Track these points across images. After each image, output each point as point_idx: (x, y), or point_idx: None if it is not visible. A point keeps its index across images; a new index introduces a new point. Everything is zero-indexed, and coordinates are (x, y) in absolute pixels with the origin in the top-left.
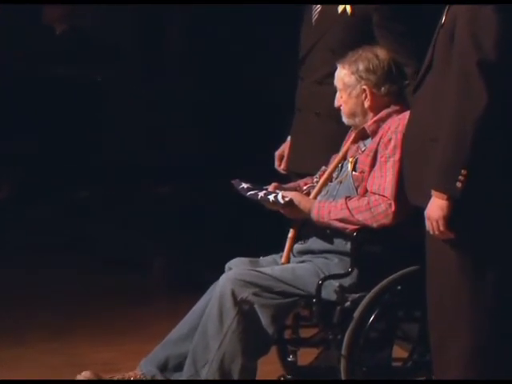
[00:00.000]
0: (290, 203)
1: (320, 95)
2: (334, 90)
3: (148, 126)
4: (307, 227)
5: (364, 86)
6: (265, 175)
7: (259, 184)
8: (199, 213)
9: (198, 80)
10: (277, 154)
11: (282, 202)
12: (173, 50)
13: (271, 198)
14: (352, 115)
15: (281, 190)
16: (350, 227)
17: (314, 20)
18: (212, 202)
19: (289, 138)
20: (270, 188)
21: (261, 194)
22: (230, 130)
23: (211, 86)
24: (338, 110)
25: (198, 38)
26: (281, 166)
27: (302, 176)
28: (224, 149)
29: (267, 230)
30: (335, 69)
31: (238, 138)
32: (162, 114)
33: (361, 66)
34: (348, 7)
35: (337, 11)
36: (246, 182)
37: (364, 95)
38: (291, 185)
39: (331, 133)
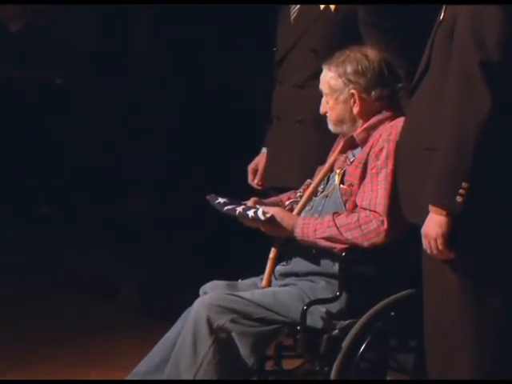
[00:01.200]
0: (271, 220)
1: (301, 100)
2: (317, 95)
3: (113, 131)
4: (290, 247)
5: (352, 90)
6: (241, 190)
7: (236, 199)
8: (172, 230)
9: (164, 82)
10: (250, 167)
11: (262, 218)
12: (137, 50)
13: (250, 213)
14: (339, 122)
15: (261, 205)
16: (338, 246)
17: (292, 18)
18: (186, 218)
19: (263, 150)
20: (249, 203)
21: (239, 209)
22: (200, 138)
23: (179, 89)
24: (324, 116)
25: (164, 38)
26: (255, 181)
27: (282, 191)
28: (197, 158)
29: (246, 250)
30: (318, 71)
31: (210, 148)
32: (128, 119)
33: (349, 68)
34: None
35: (319, 8)
36: (222, 197)
37: (352, 100)
38: (272, 199)
39: (315, 142)
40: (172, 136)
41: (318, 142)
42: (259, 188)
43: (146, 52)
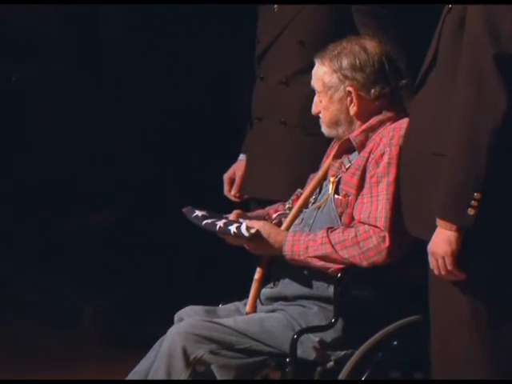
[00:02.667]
0: (257, 236)
1: (286, 99)
2: (304, 92)
3: (79, 136)
4: (278, 267)
5: (349, 88)
6: (216, 202)
7: (217, 211)
8: (141, 247)
9: (141, 82)
10: (226, 176)
11: (246, 234)
12: (110, 45)
13: (232, 229)
14: (334, 124)
15: (245, 218)
16: (333, 267)
17: (276, 6)
18: (157, 234)
19: (241, 157)
20: (232, 216)
21: (219, 223)
22: (171, 144)
23: (155, 89)
24: (312, 117)
25: (141, 33)
26: (232, 192)
27: (264, 203)
28: (168, 167)
29: (227, 270)
30: (305, 65)
31: (182, 156)
32: (98, 123)
33: (345, 62)
34: None
35: None
36: (200, 209)
37: (349, 99)
38: (258, 212)
39: (302, 146)
40: (141, 144)
41: (306, 146)
42: (237, 200)
43: (120, 48)
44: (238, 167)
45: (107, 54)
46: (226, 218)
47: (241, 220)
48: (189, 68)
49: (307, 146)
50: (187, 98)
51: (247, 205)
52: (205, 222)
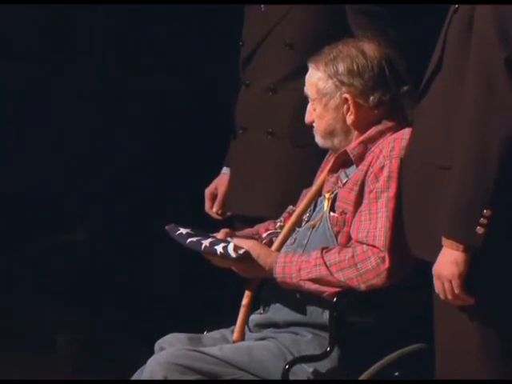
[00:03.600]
0: (245, 257)
1: (274, 107)
2: (294, 100)
3: (51, 146)
4: (268, 290)
5: (346, 95)
6: (196, 220)
7: (202, 229)
8: (121, 269)
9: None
10: (207, 192)
11: (233, 255)
12: (88, 49)
13: (219, 249)
14: (329, 134)
15: (233, 238)
16: (328, 290)
17: (263, 5)
18: (138, 255)
19: (224, 170)
20: (219, 235)
21: (205, 242)
22: (156, 156)
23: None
24: (303, 127)
25: (120, 35)
26: (213, 209)
27: (250, 221)
28: (145, 181)
29: (213, 294)
30: (294, 70)
31: (159, 170)
32: (72, 132)
33: (341, 67)
34: None
35: None
36: (185, 227)
37: (346, 107)
38: (247, 231)
39: (292, 159)
40: (117, 154)
41: (297, 158)
42: (219, 218)
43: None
44: (221, 182)
45: (79, 62)
46: (213, 237)
47: (228, 239)
48: (170, 75)
49: (298, 159)
50: (168, 105)
51: (231, 223)
52: (189, 240)
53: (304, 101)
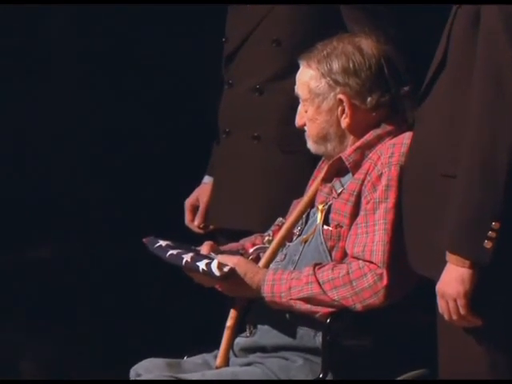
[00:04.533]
0: (230, 275)
1: (260, 109)
2: (281, 101)
3: (15, 153)
4: (255, 311)
5: (340, 95)
6: (176, 234)
7: (185, 242)
8: (91, 289)
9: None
10: (187, 203)
11: (217, 273)
12: (53, 52)
13: (201, 265)
14: (322, 139)
15: (216, 252)
16: (321, 310)
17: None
18: (108, 272)
19: (206, 179)
20: (203, 249)
21: (186, 257)
22: (124, 166)
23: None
24: (297, 130)
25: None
26: (194, 222)
27: (234, 235)
28: (121, 192)
29: (193, 316)
30: (282, 68)
31: (135, 180)
32: (38, 138)
33: (336, 65)
34: None
35: None
36: (164, 239)
37: (340, 109)
38: (232, 246)
39: (281, 166)
40: (91, 160)
41: (286, 165)
42: (200, 232)
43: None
44: (202, 192)
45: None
46: (196, 251)
47: (212, 255)
48: (145, 75)
49: (287, 166)
50: (142, 111)
51: (213, 238)
52: (169, 253)
53: (293, 102)
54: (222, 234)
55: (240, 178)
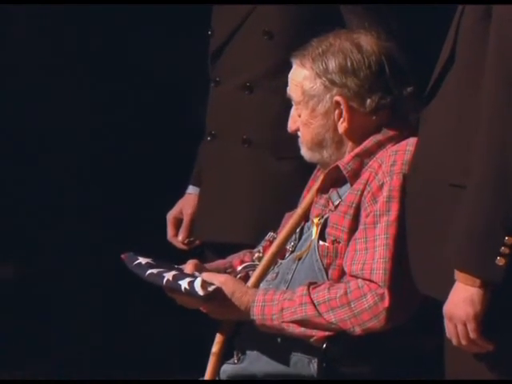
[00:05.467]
0: (216, 295)
1: (251, 109)
2: (276, 101)
3: None
4: (244, 335)
5: (337, 97)
6: (156, 250)
7: (166, 260)
8: (58, 312)
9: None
10: (170, 216)
11: (200, 293)
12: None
13: (183, 284)
14: (317, 146)
15: (201, 271)
16: (317, 334)
17: None
18: (82, 293)
19: (190, 189)
20: (186, 267)
21: (167, 276)
22: (99, 175)
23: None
24: (293, 135)
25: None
26: (178, 237)
27: (223, 251)
28: (93, 204)
29: (176, 340)
30: (274, 64)
31: (110, 191)
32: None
33: (332, 64)
34: None
35: None
36: (144, 257)
37: (337, 112)
38: (218, 263)
39: (274, 174)
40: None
41: (279, 173)
42: (184, 248)
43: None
44: (186, 203)
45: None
46: (178, 270)
47: (196, 274)
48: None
49: (280, 174)
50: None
51: (200, 254)
52: (149, 272)
53: (288, 102)
54: (210, 249)
55: (229, 187)
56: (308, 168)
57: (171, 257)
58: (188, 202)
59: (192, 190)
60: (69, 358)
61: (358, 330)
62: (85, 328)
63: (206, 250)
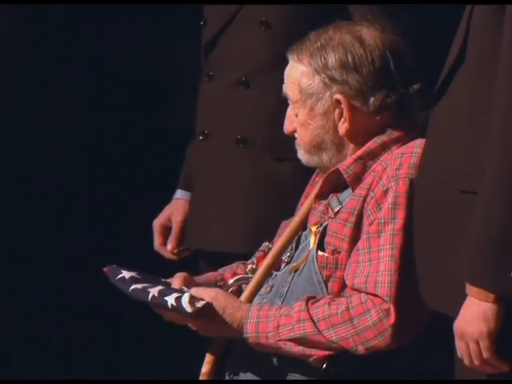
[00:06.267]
0: (206, 311)
1: (247, 106)
2: (274, 96)
3: None
4: (237, 354)
5: (338, 96)
6: (141, 261)
7: (151, 273)
8: (30, 332)
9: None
10: (156, 224)
11: (188, 309)
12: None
13: (170, 300)
14: (316, 148)
15: (191, 285)
16: (316, 354)
17: None
18: (54, 309)
19: (179, 194)
20: (174, 281)
21: (153, 291)
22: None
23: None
24: (290, 136)
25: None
26: (167, 246)
27: (216, 260)
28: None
29: (163, 359)
30: (273, 57)
31: (92, 198)
32: None
33: (332, 59)
34: None
35: None
36: (128, 270)
37: (338, 112)
38: (208, 276)
39: (271, 177)
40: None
41: (276, 176)
42: (173, 258)
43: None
44: (175, 209)
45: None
46: (165, 284)
47: (185, 289)
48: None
49: (279, 177)
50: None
51: (192, 263)
52: (133, 287)
53: (286, 99)
54: (203, 258)
55: (223, 191)
56: (310, 171)
57: (159, 268)
58: (177, 207)
59: (181, 195)
60: (66, 357)
61: (361, 349)
62: (82, 328)
63: (200, 261)
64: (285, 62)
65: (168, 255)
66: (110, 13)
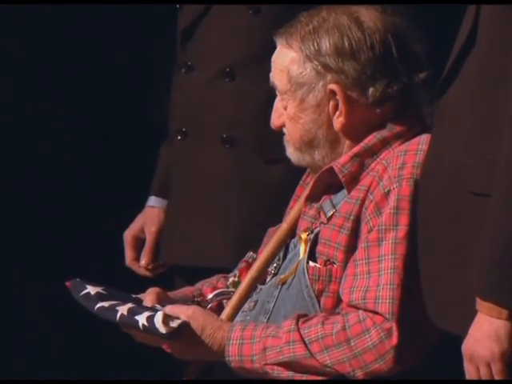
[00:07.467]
0: (181, 332)
1: (232, 101)
2: (262, 90)
3: None
4: (217, 379)
5: (332, 86)
6: (112, 276)
7: (120, 289)
8: (30, 332)
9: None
10: (128, 235)
11: (162, 330)
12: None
13: (141, 320)
14: (307, 145)
15: (165, 302)
16: (308, 379)
17: None
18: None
19: (152, 201)
20: (146, 298)
21: (122, 309)
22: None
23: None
24: (278, 132)
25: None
26: (140, 261)
27: (194, 275)
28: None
29: (163, 359)
30: (261, 46)
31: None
32: None
33: (326, 44)
34: None
35: None
36: (94, 285)
37: (332, 104)
38: (184, 291)
39: (258, 180)
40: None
41: (264, 179)
42: (148, 274)
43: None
44: (149, 219)
45: None
46: (136, 301)
47: (158, 307)
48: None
49: (269, 181)
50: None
51: (167, 280)
52: (99, 305)
53: (274, 93)
54: (180, 274)
55: (204, 197)
56: (296, 173)
57: (129, 285)
58: (151, 217)
59: (155, 203)
60: (66, 357)
61: (359, 374)
62: (82, 328)
63: (176, 276)
64: (275, 51)
65: (141, 271)
66: (110, 13)
